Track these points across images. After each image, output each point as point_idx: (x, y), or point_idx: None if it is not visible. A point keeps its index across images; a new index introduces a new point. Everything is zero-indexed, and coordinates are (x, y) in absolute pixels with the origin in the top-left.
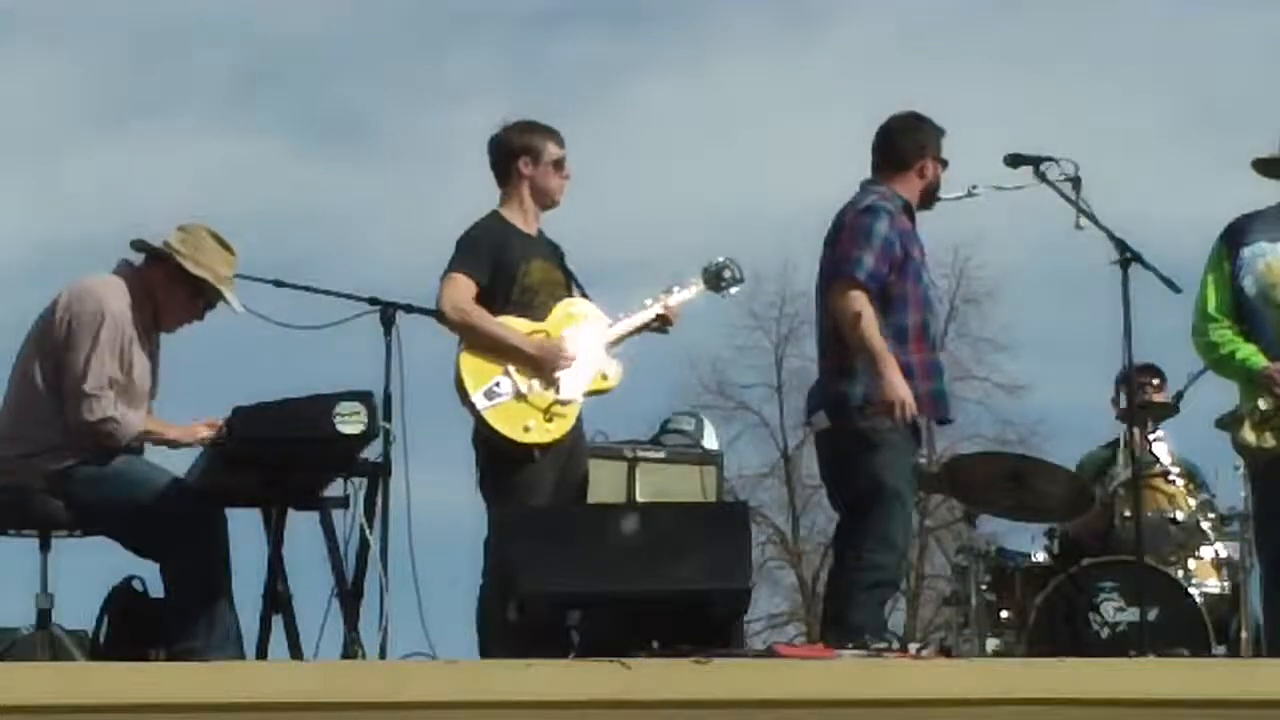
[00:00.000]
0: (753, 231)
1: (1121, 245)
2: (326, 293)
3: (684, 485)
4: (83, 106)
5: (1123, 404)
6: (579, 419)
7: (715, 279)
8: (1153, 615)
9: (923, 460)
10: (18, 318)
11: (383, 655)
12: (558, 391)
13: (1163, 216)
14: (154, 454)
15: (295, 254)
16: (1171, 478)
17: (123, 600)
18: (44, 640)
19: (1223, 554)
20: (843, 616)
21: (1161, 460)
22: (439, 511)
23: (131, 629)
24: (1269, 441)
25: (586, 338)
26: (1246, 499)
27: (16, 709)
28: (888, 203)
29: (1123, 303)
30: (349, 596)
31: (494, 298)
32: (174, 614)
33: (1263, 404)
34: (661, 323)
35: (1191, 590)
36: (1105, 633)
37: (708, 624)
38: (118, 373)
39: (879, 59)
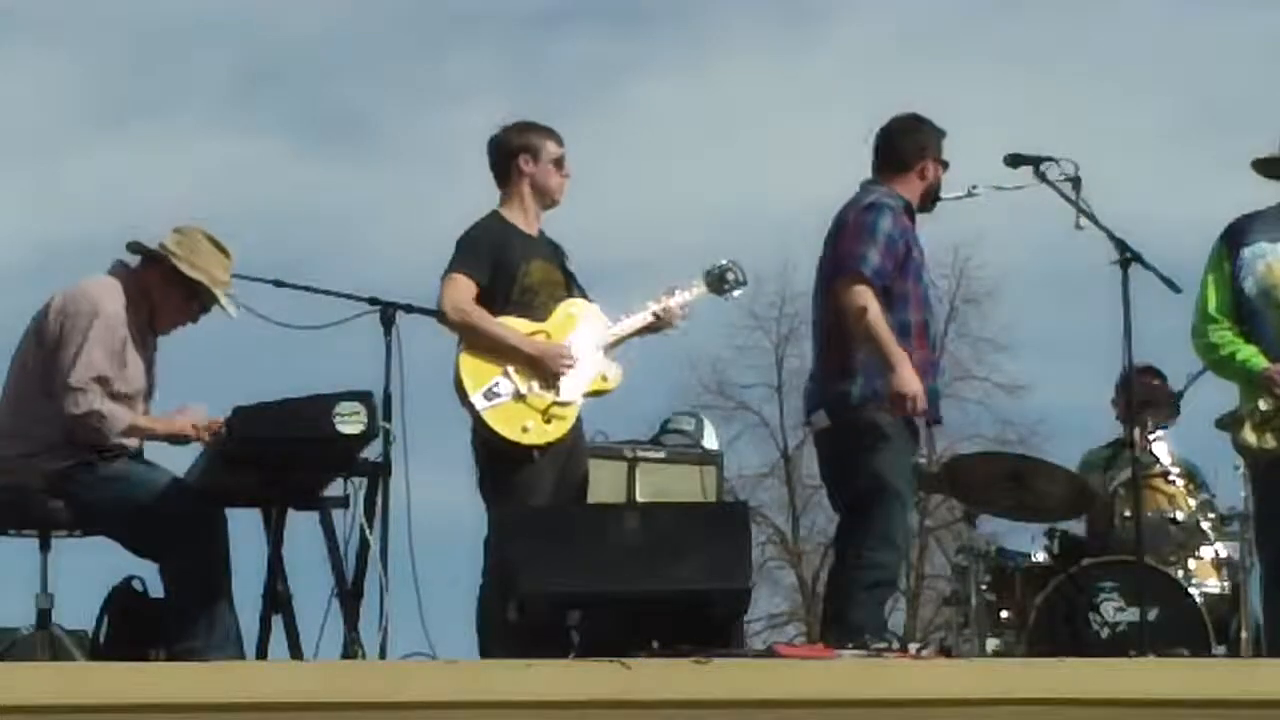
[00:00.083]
0: (753, 231)
1: (1121, 245)
2: (326, 293)
3: (684, 485)
4: (83, 106)
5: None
6: (579, 419)
7: (718, 281)
8: (1153, 615)
9: (923, 460)
10: (18, 317)
11: (383, 655)
12: (557, 393)
13: (1163, 216)
14: (154, 454)
15: (295, 254)
16: (1171, 478)
17: (123, 600)
18: (44, 640)
19: (1223, 554)
20: (843, 615)
21: (1161, 460)
22: (439, 511)
23: (131, 629)
24: (1270, 443)
25: (587, 339)
26: (1246, 499)
27: (16, 709)
28: (891, 200)
29: (1123, 303)
30: (349, 596)
31: (494, 298)
32: (174, 614)
33: (1263, 405)
34: (660, 322)
35: (1191, 590)
36: (1105, 633)
37: (708, 624)
38: (108, 370)
39: (879, 59)
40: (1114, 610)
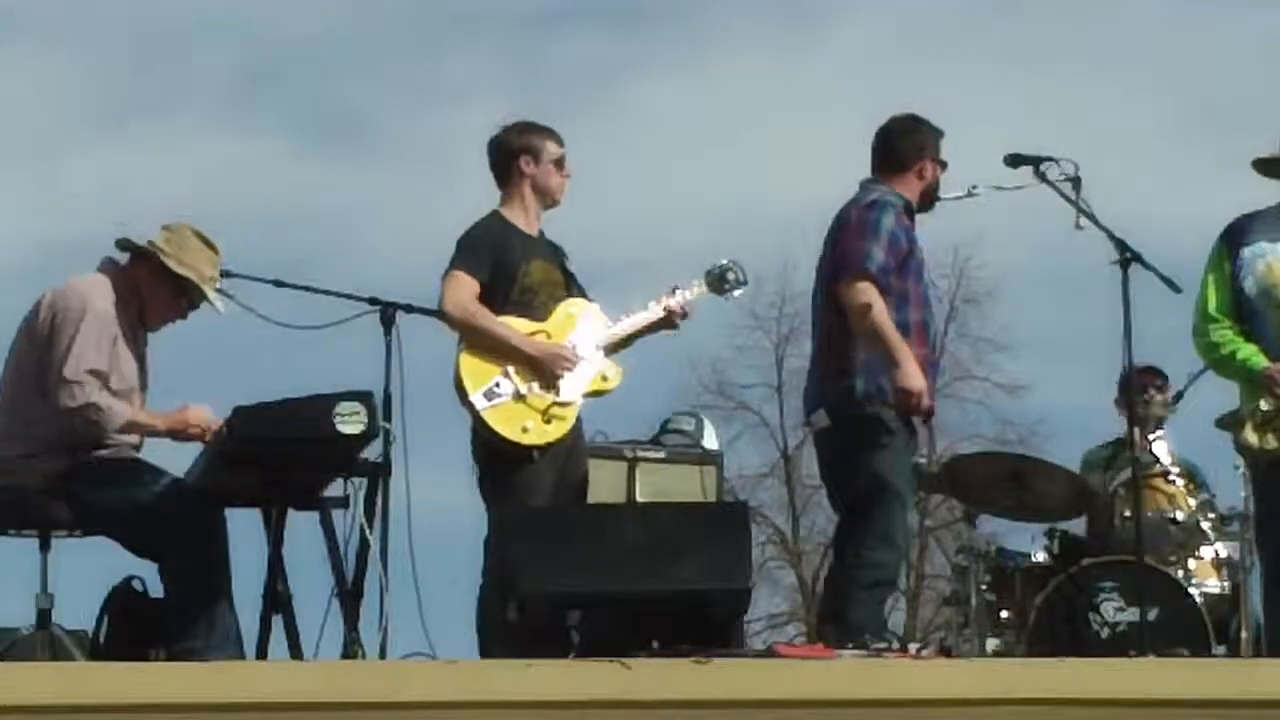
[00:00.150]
0: (753, 231)
1: (1121, 245)
2: (326, 293)
3: (684, 485)
4: (83, 106)
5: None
6: (578, 419)
7: (718, 282)
8: (1153, 615)
9: (923, 460)
10: (17, 318)
11: (383, 655)
12: (557, 393)
13: (1163, 216)
14: (154, 454)
15: (295, 254)
16: (1171, 478)
17: (123, 600)
18: (44, 640)
19: (1223, 554)
20: (842, 615)
21: (1161, 460)
22: (439, 511)
23: (131, 629)
24: (1271, 443)
25: (587, 339)
26: (1246, 499)
27: (16, 709)
28: (892, 198)
29: (1123, 303)
30: (349, 596)
31: (494, 297)
32: (173, 614)
33: (1264, 404)
34: (669, 318)
35: (1191, 590)
36: (1105, 633)
37: (708, 624)
38: (101, 365)
39: (879, 59)
40: (1114, 610)
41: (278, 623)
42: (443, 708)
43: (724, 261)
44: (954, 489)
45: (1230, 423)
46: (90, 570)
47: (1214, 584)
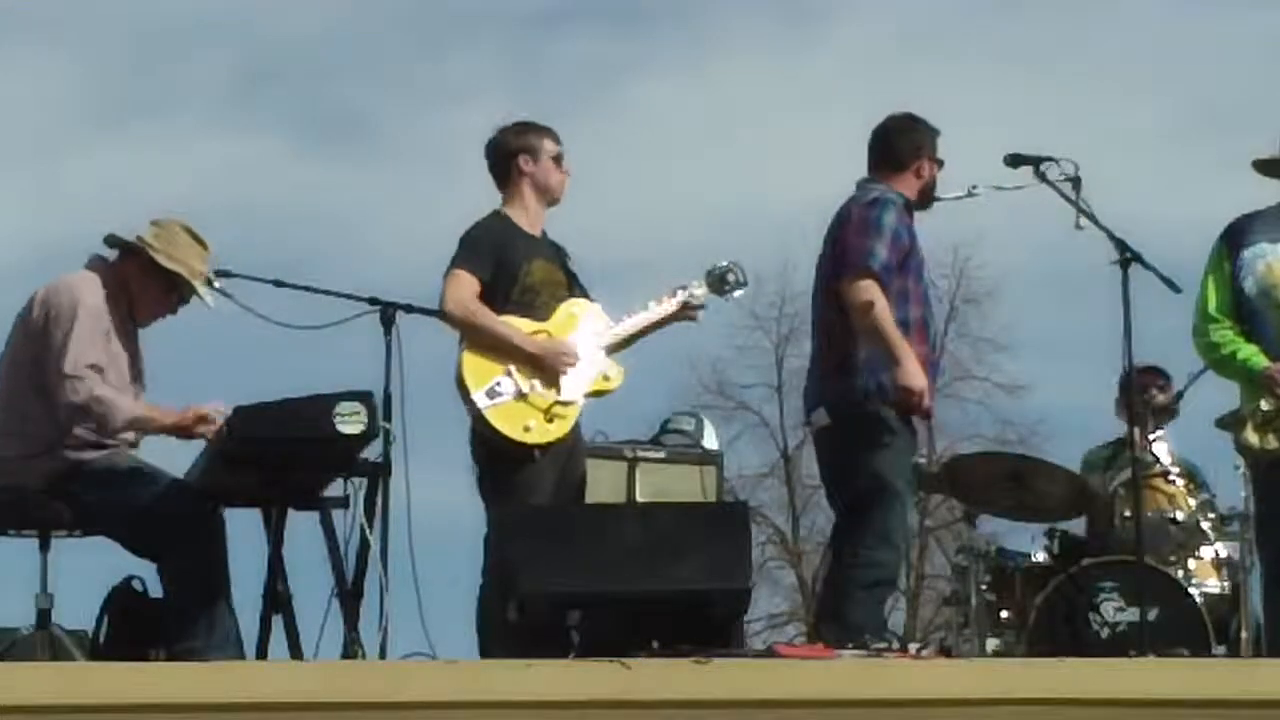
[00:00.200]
0: (753, 231)
1: (1121, 245)
2: (326, 293)
3: (684, 485)
4: (83, 106)
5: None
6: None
7: (719, 283)
8: (1153, 615)
9: (923, 460)
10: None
11: (383, 655)
12: (559, 392)
13: (1163, 216)
14: (154, 454)
15: (295, 254)
16: (1171, 478)
17: (123, 600)
18: (44, 640)
19: (1223, 554)
20: (841, 614)
21: (1161, 460)
22: (439, 511)
23: (131, 629)
24: (1271, 443)
25: (588, 339)
26: (1246, 499)
27: (16, 709)
28: (893, 196)
29: (1123, 303)
30: (349, 596)
31: (495, 296)
32: (173, 614)
33: (1264, 405)
34: (685, 312)
35: (1191, 590)
36: (1105, 633)
37: (708, 624)
38: (99, 359)
39: (879, 59)
40: (1114, 610)
41: (278, 623)
42: (443, 708)
43: (724, 263)
44: (954, 489)
45: (1230, 423)
46: (90, 570)
47: (1214, 584)
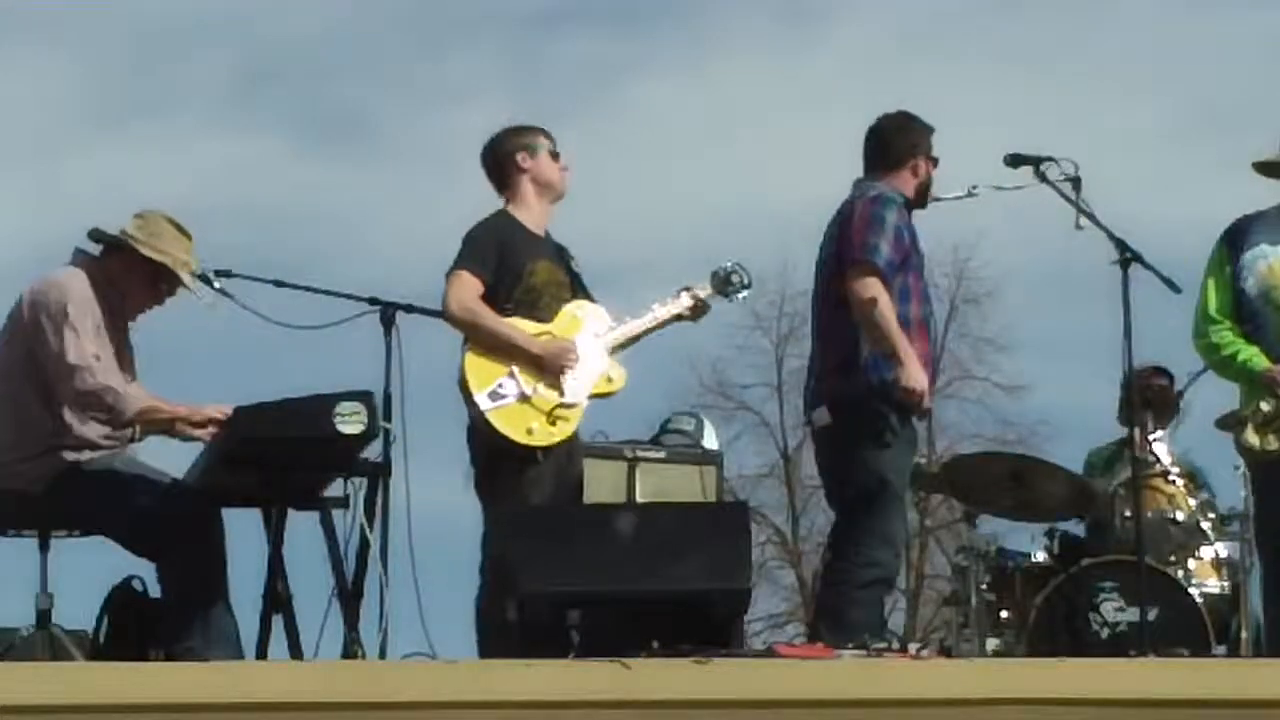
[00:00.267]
0: (753, 231)
1: (1121, 245)
2: (326, 293)
3: (684, 485)
4: (83, 106)
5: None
6: None
7: (724, 284)
8: (1153, 615)
9: (923, 460)
10: None
11: (383, 655)
12: (562, 394)
13: (1163, 216)
14: (154, 454)
15: (295, 254)
16: (1171, 478)
17: (122, 600)
18: (44, 640)
19: (1223, 554)
20: (840, 614)
21: (1162, 460)
22: (439, 511)
23: (131, 629)
24: (1272, 444)
25: (591, 340)
26: (1246, 499)
27: (16, 709)
28: (893, 193)
29: (1123, 303)
30: (349, 596)
31: (498, 296)
32: (172, 614)
33: (1264, 406)
34: (698, 307)
35: (1191, 590)
36: (1105, 633)
37: (708, 624)
38: (100, 350)
39: (879, 59)
40: (1114, 610)
41: (278, 623)
42: (443, 708)
43: (729, 264)
44: (954, 489)
45: (1231, 423)
46: (90, 570)
47: (1214, 584)
